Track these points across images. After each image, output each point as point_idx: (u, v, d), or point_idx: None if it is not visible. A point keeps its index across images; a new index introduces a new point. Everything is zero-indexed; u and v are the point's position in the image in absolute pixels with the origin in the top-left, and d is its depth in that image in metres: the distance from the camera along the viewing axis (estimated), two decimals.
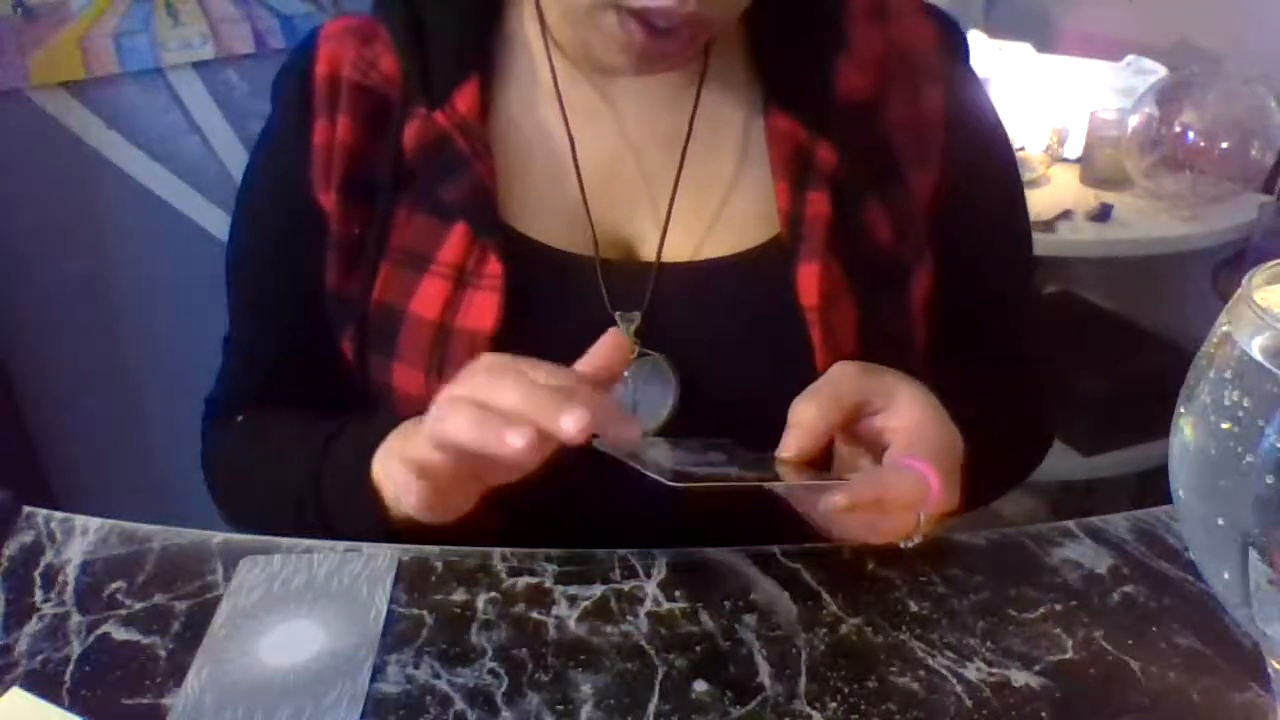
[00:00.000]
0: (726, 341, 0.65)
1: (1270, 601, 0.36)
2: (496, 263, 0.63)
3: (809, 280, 0.63)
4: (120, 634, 0.54)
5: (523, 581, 0.58)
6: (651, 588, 0.57)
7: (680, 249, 0.66)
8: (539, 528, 0.62)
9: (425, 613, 0.56)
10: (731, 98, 0.68)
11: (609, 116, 0.67)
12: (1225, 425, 0.35)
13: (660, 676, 0.51)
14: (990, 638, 0.54)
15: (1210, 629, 0.54)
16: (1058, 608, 0.56)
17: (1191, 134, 1.63)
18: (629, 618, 0.55)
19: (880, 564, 0.59)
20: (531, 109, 0.68)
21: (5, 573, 0.58)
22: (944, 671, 0.52)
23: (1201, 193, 1.64)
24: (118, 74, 1.54)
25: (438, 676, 0.51)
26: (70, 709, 0.49)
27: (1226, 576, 0.37)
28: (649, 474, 0.49)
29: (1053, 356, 0.82)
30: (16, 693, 0.50)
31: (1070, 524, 0.63)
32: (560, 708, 0.50)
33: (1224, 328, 0.36)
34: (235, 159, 1.65)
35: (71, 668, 0.52)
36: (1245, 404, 0.35)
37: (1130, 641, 0.54)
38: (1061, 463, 1.71)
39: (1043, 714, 0.50)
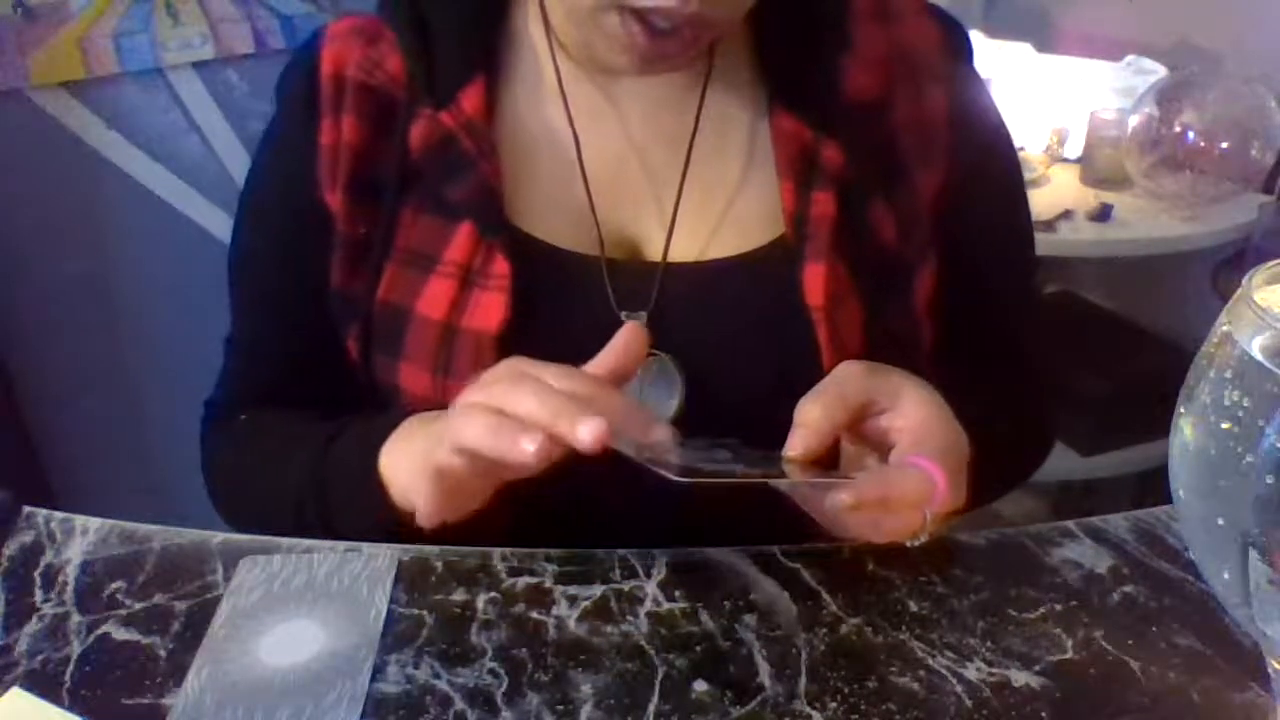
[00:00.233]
0: (732, 342, 0.65)
1: (1270, 601, 0.36)
2: (503, 262, 0.63)
3: (814, 280, 0.63)
4: (120, 634, 0.54)
5: (523, 581, 0.58)
6: (651, 588, 0.57)
7: (686, 249, 0.66)
8: (539, 527, 0.62)
9: (425, 613, 0.56)
10: (736, 98, 0.68)
11: (613, 116, 0.67)
12: (1225, 425, 0.35)
13: (660, 676, 0.51)
14: (990, 638, 0.54)
15: (1210, 629, 0.54)
16: (1058, 608, 0.56)
17: (1191, 134, 1.63)
18: (629, 618, 0.55)
19: (880, 564, 0.59)
20: (537, 109, 0.68)
21: (5, 573, 0.58)
22: (944, 671, 0.52)
23: (1201, 193, 1.64)
24: (118, 74, 1.54)
25: (438, 676, 0.51)
26: (70, 709, 0.49)
27: (1226, 576, 0.37)
28: (655, 469, 0.49)
29: (1053, 356, 0.81)
30: (16, 693, 0.50)
31: (1070, 524, 0.63)
32: (560, 708, 0.50)
33: (1224, 328, 0.36)
34: (235, 159, 1.65)
35: (71, 668, 0.52)
36: (1245, 404, 0.35)
37: (1130, 641, 0.54)
38: (1061, 463, 1.71)
39: (1043, 714, 0.50)
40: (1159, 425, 0.45)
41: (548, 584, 0.58)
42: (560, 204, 0.66)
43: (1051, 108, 1.82)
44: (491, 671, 0.52)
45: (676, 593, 0.57)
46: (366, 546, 0.60)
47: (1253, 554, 0.35)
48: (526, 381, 0.51)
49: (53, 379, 1.60)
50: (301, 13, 1.64)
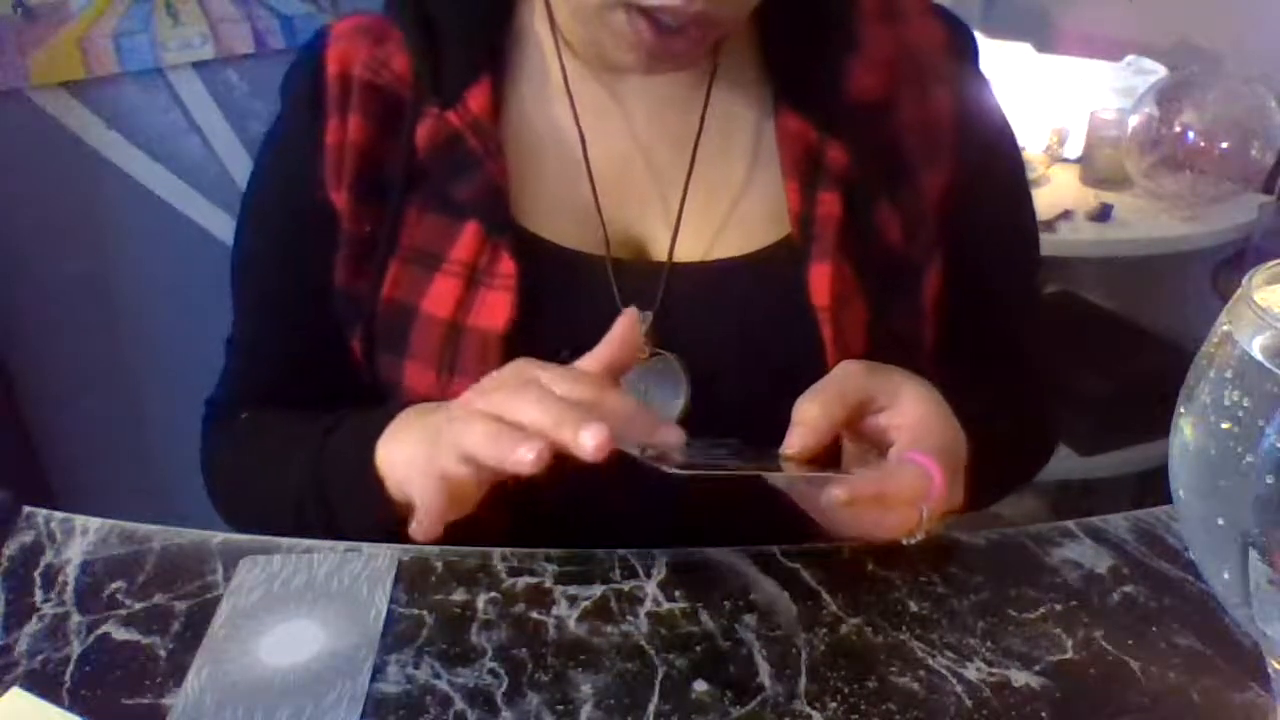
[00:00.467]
0: (737, 342, 0.65)
1: (1270, 601, 0.36)
2: (509, 262, 0.63)
3: (820, 280, 0.63)
4: (120, 634, 0.54)
5: (523, 581, 0.58)
6: (651, 588, 0.57)
7: (691, 249, 0.66)
8: (539, 527, 0.62)
9: (425, 613, 0.56)
10: (742, 97, 0.68)
11: (619, 115, 0.68)
12: (1225, 425, 0.35)
13: (660, 676, 0.51)
14: (990, 638, 0.54)
15: (1210, 629, 0.54)
16: (1058, 608, 0.56)
17: (1191, 134, 1.63)
18: (629, 618, 0.55)
19: (880, 564, 0.59)
20: (543, 108, 0.68)
21: (5, 573, 0.58)
22: (944, 671, 0.52)
23: (1201, 193, 1.64)
24: (118, 74, 1.54)
25: (438, 676, 0.51)
26: (70, 709, 0.49)
27: (1226, 576, 0.37)
28: (652, 464, 0.49)
29: (1053, 356, 0.82)
30: (16, 693, 0.50)
31: (1070, 524, 0.63)
32: (560, 708, 0.50)
33: (1224, 328, 0.36)
34: (235, 159, 1.65)
35: (71, 668, 0.52)
36: (1245, 404, 0.35)
37: (1130, 641, 0.54)
38: (1061, 463, 1.71)
39: (1043, 714, 0.50)
40: (1159, 425, 0.45)
41: (548, 584, 0.58)
42: (566, 203, 0.66)
43: (1051, 108, 1.82)
44: (491, 671, 0.52)
45: (676, 593, 0.57)
46: (366, 546, 0.60)
47: (1253, 554, 0.35)
48: (529, 388, 0.51)
49: (53, 379, 1.60)
50: (301, 13, 1.64)
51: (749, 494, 0.55)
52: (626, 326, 0.55)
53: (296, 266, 0.69)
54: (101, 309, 1.64)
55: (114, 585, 0.57)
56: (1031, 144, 1.82)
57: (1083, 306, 2.03)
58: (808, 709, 0.50)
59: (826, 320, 0.63)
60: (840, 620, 0.55)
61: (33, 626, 0.54)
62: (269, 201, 0.72)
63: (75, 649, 0.53)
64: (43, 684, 0.51)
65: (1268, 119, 1.62)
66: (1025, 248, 0.77)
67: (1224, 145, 1.62)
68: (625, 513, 0.61)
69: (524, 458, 0.49)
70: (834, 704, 0.50)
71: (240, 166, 1.65)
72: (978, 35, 0.74)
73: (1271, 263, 0.37)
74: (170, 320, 1.63)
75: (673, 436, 0.52)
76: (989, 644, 0.54)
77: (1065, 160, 1.83)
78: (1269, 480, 0.34)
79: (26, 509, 0.63)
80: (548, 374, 0.53)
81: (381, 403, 0.68)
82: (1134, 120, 1.67)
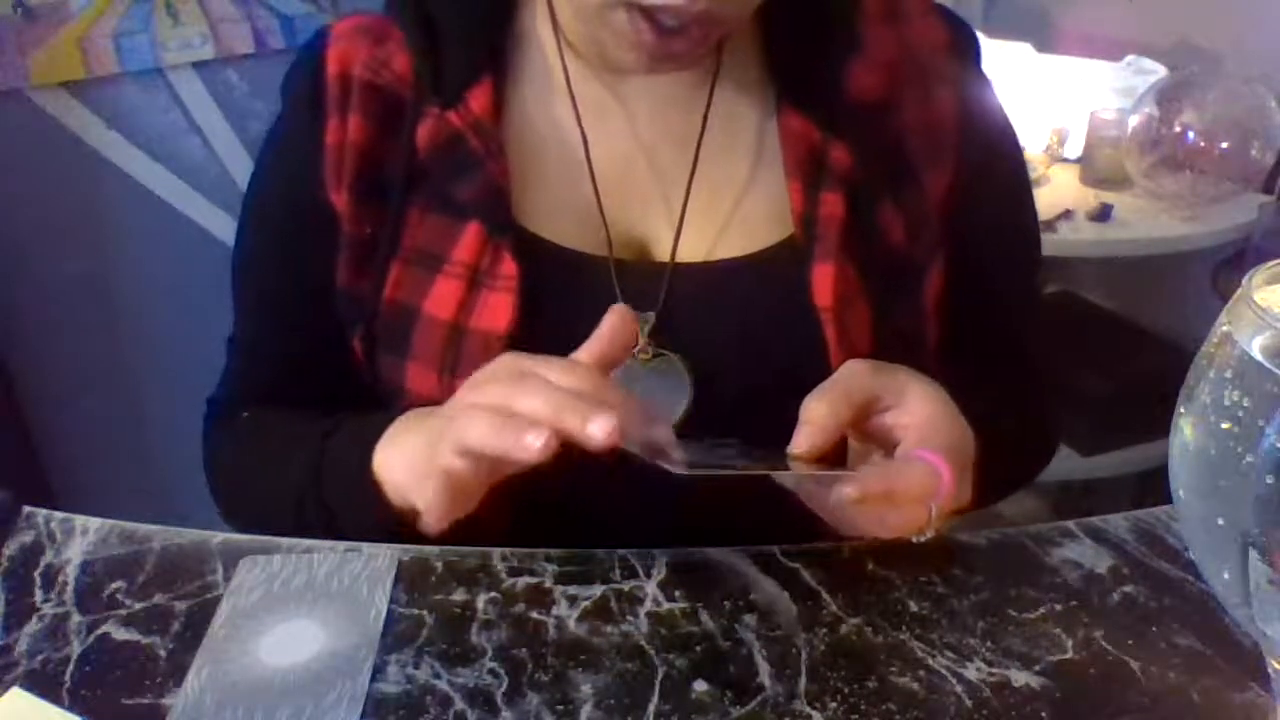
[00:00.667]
0: (740, 342, 0.65)
1: (1270, 601, 0.36)
2: (511, 263, 0.63)
3: (823, 281, 0.63)
4: (120, 634, 0.54)
5: (523, 581, 0.58)
6: (651, 588, 0.57)
7: (694, 249, 0.66)
8: (539, 527, 0.62)
9: (425, 613, 0.56)
10: (744, 97, 0.68)
11: (621, 116, 0.67)
12: (1225, 425, 0.35)
13: (660, 676, 0.51)
14: (990, 638, 0.54)
15: (1210, 629, 0.54)
16: (1058, 608, 0.56)
17: (1191, 134, 1.63)
18: (629, 618, 0.55)
19: (880, 564, 0.59)
20: (545, 109, 0.68)
21: (5, 573, 0.58)
22: (944, 671, 0.52)
23: (1201, 193, 1.64)
24: (118, 74, 1.54)
25: (438, 676, 0.51)
26: (70, 709, 0.49)
27: (1226, 576, 0.37)
28: (658, 464, 0.49)
29: (1053, 356, 0.82)
30: (16, 693, 0.50)
31: (1070, 524, 0.63)
32: (560, 708, 0.50)
33: (1224, 328, 0.36)
34: (235, 159, 1.65)
35: (71, 668, 0.52)
36: (1245, 404, 0.35)
37: (1130, 641, 0.54)
38: (1061, 463, 1.69)
39: (1043, 714, 0.50)
40: (1159, 425, 0.45)
41: (548, 584, 0.58)
42: (568, 204, 0.66)
43: (1051, 108, 1.82)
44: (491, 671, 0.52)
45: (676, 593, 0.57)
46: (366, 546, 0.60)
47: (1253, 554, 0.35)
48: (529, 380, 0.51)
49: (53, 379, 1.60)
50: (301, 13, 1.64)
51: (752, 494, 0.55)
52: (616, 321, 0.54)
53: (297, 266, 0.69)
54: (101, 309, 1.64)
55: (114, 585, 0.57)
56: (1031, 144, 1.82)
57: (1083, 306, 2.03)
58: (808, 709, 0.50)
59: (829, 320, 0.63)
60: (840, 620, 0.55)
61: (33, 626, 0.54)
62: (269, 202, 0.72)
63: (75, 649, 0.53)
64: (43, 684, 0.50)
65: (1268, 119, 1.62)
66: (1027, 247, 0.77)
67: (1224, 145, 1.62)
68: (625, 513, 0.61)
69: (531, 445, 0.48)
70: (834, 704, 0.50)
71: (240, 166, 1.65)
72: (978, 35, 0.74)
73: (1271, 263, 0.37)
74: (170, 320, 1.63)
75: (663, 434, 0.52)
76: (989, 644, 0.54)
77: (1065, 160, 1.83)
78: (1269, 480, 0.34)
79: (26, 509, 0.63)
80: (543, 366, 0.52)
81: (382, 404, 0.68)
82: (1134, 120, 1.67)
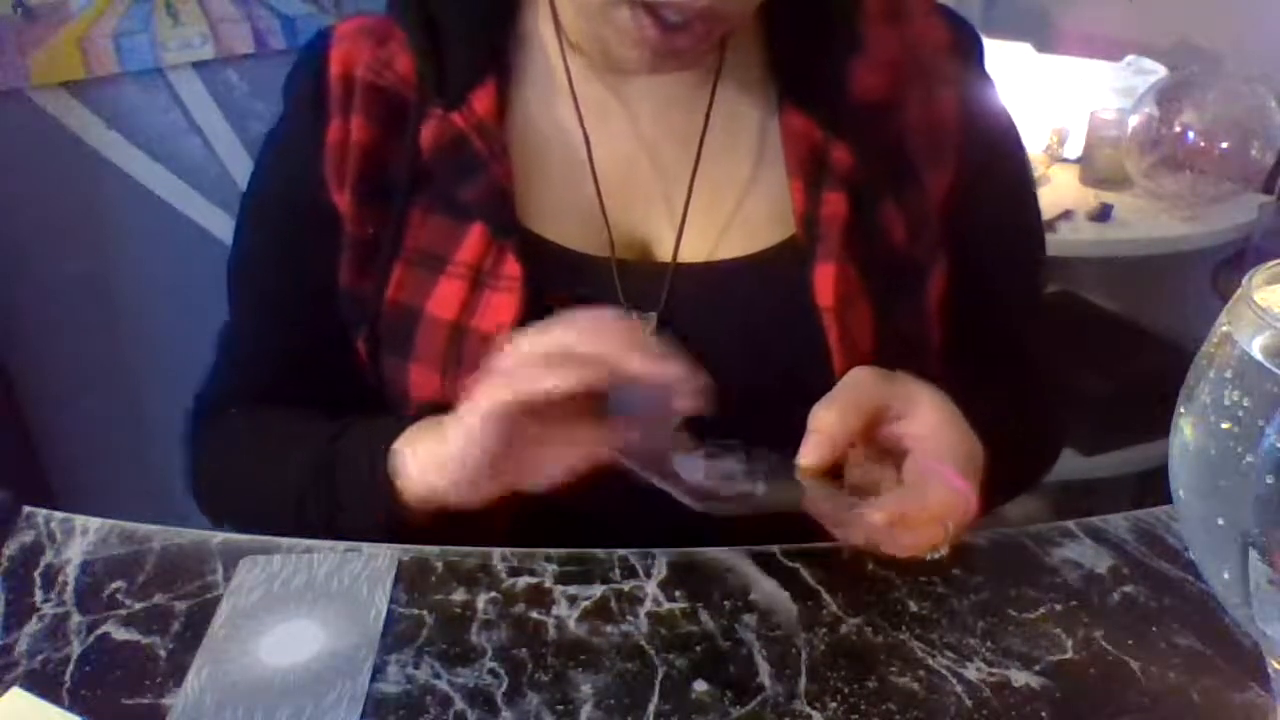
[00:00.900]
0: (742, 342, 0.65)
1: (1270, 601, 0.36)
2: (514, 264, 0.63)
3: (825, 281, 0.63)
4: (120, 634, 0.54)
5: (523, 581, 0.58)
6: (651, 588, 0.57)
7: (696, 250, 0.66)
8: (539, 527, 0.62)
9: (425, 613, 0.56)
10: (746, 97, 0.68)
11: (623, 116, 0.68)
12: (1225, 425, 0.35)
13: (660, 676, 0.51)
14: (990, 638, 0.54)
15: (1210, 629, 0.54)
16: (1058, 608, 0.56)
17: (1191, 134, 1.63)
18: (629, 618, 0.55)
19: (880, 564, 0.59)
20: (547, 109, 0.68)
21: (5, 573, 0.58)
22: (944, 671, 0.52)
23: (1201, 193, 1.64)
24: (118, 74, 1.54)
25: (438, 676, 0.51)
26: (70, 709, 0.49)
27: (1226, 576, 0.37)
28: (678, 496, 0.50)
29: (1053, 356, 0.82)
30: (16, 693, 0.50)
31: (1070, 524, 0.63)
32: (560, 708, 0.50)
33: (1224, 328, 0.36)
34: (235, 159, 1.65)
35: (71, 668, 0.52)
36: (1245, 404, 0.35)
37: (1130, 641, 0.54)
38: (1061, 463, 1.69)
39: (1043, 714, 0.50)
40: (1159, 425, 0.45)
41: (548, 584, 0.58)
42: (570, 205, 0.66)
43: (1051, 108, 1.82)
44: (491, 671, 0.52)
45: (676, 593, 0.57)
46: (366, 546, 0.60)
47: (1253, 554, 0.35)
48: (555, 359, 0.52)
49: (53, 379, 1.60)
50: (302, 13, 1.64)
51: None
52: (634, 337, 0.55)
53: (296, 266, 0.69)
54: (101, 309, 1.64)
55: (114, 585, 0.57)
56: (1031, 144, 1.82)
57: (1083, 307, 2.03)
58: (808, 709, 0.50)
59: (832, 321, 0.63)
60: (840, 620, 0.55)
61: (33, 626, 0.54)
62: (269, 201, 0.72)
63: (75, 649, 0.53)
64: (43, 684, 0.50)
65: (1268, 119, 1.62)
66: (1030, 248, 0.77)
67: (1224, 145, 1.62)
68: (625, 513, 0.61)
69: (581, 376, 0.51)
70: (834, 704, 0.50)
71: (240, 166, 1.65)
72: None
73: (1271, 263, 0.37)
74: (170, 320, 1.63)
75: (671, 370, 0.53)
76: (989, 644, 0.54)
77: (1065, 160, 1.83)
78: (1269, 480, 0.34)
79: (26, 509, 0.63)
80: (562, 336, 0.53)
81: (379, 405, 0.68)
82: (1134, 120, 1.67)
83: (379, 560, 0.59)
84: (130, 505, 0.68)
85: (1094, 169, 1.75)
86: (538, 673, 0.52)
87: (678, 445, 0.54)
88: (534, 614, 0.55)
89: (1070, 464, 1.72)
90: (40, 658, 0.52)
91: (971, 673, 0.52)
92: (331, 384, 0.69)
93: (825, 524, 0.56)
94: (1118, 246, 1.62)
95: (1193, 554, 0.41)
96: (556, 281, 0.64)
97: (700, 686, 0.51)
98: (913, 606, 0.56)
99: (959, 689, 0.51)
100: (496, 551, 0.60)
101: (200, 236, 1.65)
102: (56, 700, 0.50)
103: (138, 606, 0.56)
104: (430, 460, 0.58)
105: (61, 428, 1.62)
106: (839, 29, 0.67)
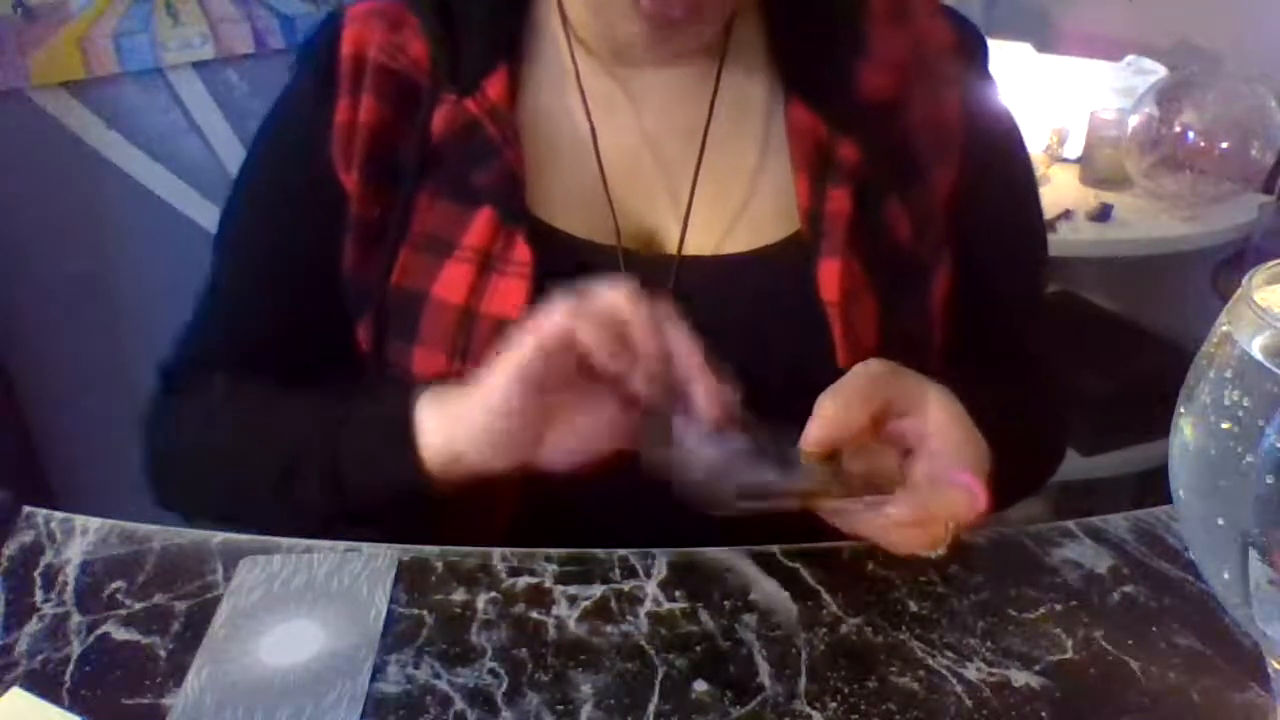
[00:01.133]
0: (747, 336, 0.65)
1: (1270, 601, 0.36)
2: (525, 249, 0.63)
3: (830, 276, 0.64)
4: (120, 634, 0.54)
5: (523, 581, 0.58)
6: (651, 588, 0.57)
7: (701, 243, 0.67)
8: (539, 527, 0.62)
9: (425, 613, 0.56)
10: (751, 93, 0.68)
11: (629, 109, 0.68)
12: (1225, 425, 0.35)
13: (660, 676, 0.51)
14: (990, 638, 0.54)
15: (1210, 629, 0.54)
16: (1058, 608, 0.56)
17: (1191, 134, 1.63)
18: (629, 618, 0.55)
19: (880, 564, 0.59)
20: (557, 99, 0.68)
21: (5, 573, 0.58)
22: (944, 671, 0.52)
23: (1201, 193, 1.64)
24: (118, 74, 1.54)
25: (438, 676, 0.51)
26: (70, 709, 0.49)
27: (1226, 576, 0.37)
28: (696, 494, 0.50)
29: (1053, 357, 0.82)
30: (16, 693, 0.50)
31: (1070, 524, 0.63)
32: (560, 708, 0.50)
33: (1224, 328, 0.36)
34: (235, 159, 1.64)
35: (71, 668, 0.52)
36: (1245, 404, 0.35)
37: (1130, 641, 0.54)
38: (1062, 462, 1.70)
39: (1043, 714, 0.50)
40: (1159, 425, 0.45)
41: (548, 584, 0.58)
42: (578, 194, 0.67)
43: (1051, 108, 1.82)
44: (491, 671, 0.52)
45: (676, 593, 0.57)
46: (366, 546, 0.60)
47: (1253, 554, 0.35)
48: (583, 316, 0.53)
49: (53, 379, 1.60)
50: (302, 13, 1.64)
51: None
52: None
53: (293, 237, 0.68)
54: (101, 309, 1.64)
55: (114, 585, 0.57)
56: (1031, 144, 1.81)
57: (1083, 307, 2.03)
58: (808, 709, 0.50)
59: (836, 316, 0.63)
60: (840, 620, 0.55)
61: (33, 626, 0.54)
62: (272, 172, 0.71)
63: (75, 649, 0.53)
64: (43, 684, 0.50)
65: (1268, 119, 1.62)
66: (1032, 248, 0.78)
67: (1224, 145, 1.62)
68: (625, 513, 0.61)
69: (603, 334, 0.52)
70: (834, 704, 0.50)
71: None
72: None
73: (1271, 263, 0.37)
74: (170, 320, 1.62)
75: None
76: (989, 644, 0.54)
77: (1065, 160, 1.83)
78: (1269, 480, 0.34)
79: (26, 509, 0.63)
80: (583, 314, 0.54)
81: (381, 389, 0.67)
82: (1134, 120, 1.67)
83: (379, 560, 0.59)
84: (130, 505, 0.68)
85: (1094, 169, 1.75)
86: (538, 673, 0.52)
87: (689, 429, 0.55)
88: (534, 614, 0.55)
89: (1070, 464, 1.71)
90: (40, 658, 0.52)
91: (971, 673, 0.52)
92: (316, 358, 0.68)
93: (830, 519, 0.56)
94: (1118, 246, 1.62)
95: (1193, 554, 0.41)
96: (562, 269, 0.64)
97: (700, 686, 0.51)
98: (913, 606, 0.56)
99: (959, 689, 0.51)
100: (496, 551, 0.60)
101: (200, 237, 1.64)
102: (56, 700, 0.50)
103: (138, 606, 0.56)
104: (454, 419, 0.57)
105: (61, 428, 1.62)
106: (844, 27, 0.68)
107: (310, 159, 0.67)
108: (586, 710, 0.49)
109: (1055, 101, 1.82)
